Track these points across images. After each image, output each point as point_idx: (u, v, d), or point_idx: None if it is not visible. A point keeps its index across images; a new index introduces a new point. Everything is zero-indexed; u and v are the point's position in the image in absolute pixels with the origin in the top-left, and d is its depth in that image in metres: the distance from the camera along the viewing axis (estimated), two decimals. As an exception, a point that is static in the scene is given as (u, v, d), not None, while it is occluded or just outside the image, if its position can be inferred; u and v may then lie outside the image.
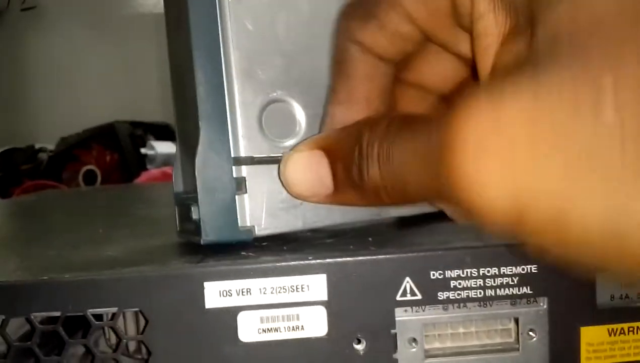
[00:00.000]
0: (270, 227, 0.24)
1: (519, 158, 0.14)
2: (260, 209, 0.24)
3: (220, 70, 0.24)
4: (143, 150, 1.10)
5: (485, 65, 0.20)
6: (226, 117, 0.24)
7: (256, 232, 0.24)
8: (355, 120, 0.22)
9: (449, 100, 0.24)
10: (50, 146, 1.18)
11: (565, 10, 0.15)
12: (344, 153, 0.20)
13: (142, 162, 1.09)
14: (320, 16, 0.25)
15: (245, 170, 0.24)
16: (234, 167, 0.24)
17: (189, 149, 0.25)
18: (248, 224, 0.24)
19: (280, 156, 0.23)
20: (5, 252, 0.31)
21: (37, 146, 1.20)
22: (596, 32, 0.14)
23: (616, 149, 0.13)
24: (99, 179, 1.07)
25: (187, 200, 0.25)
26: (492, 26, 0.19)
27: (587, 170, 0.14)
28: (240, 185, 0.24)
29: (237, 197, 0.24)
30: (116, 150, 1.11)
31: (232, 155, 0.24)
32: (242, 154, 0.24)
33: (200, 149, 0.23)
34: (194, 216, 0.24)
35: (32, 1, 1.38)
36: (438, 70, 0.24)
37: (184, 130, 0.26)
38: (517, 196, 0.15)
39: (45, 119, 1.36)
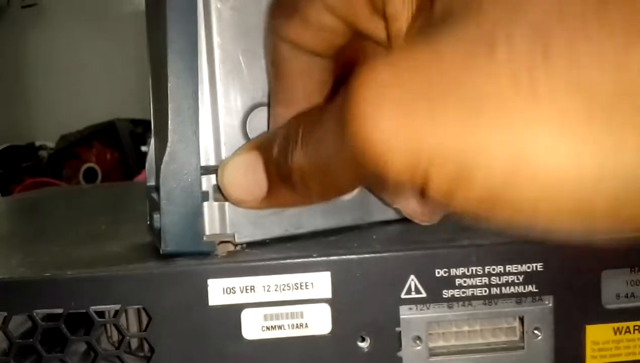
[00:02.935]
0: (251, 234, 0.24)
1: (417, 108, 0.14)
2: (240, 216, 0.24)
3: (196, 78, 0.23)
4: (144, 148, 1.10)
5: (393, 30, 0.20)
6: (198, 126, 0.23)
7: (236, 239, 0.24)
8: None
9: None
10: (51, 144, 1.18)
11: None
12: (274, 149, 0.20)
13: (142, 160, 1.08)
14: None
15: None
16: (212, 175, 0.24)
17: (161, 144, 0.24)
18: (228, 231, 0.24)
19: None
20: (7, 249, 0.31)
21: (37, 143, 1.20)
22: None
23: (508, 85, 0.13)
24: (100, 176, 1.07)
25: (153, 201, 0.25)
26: (400, 10, 0.19)
27: (482, 111, 0.13)
28: (219, 192, 0.23)
29: (216, 204, 0.24)
30: (117, 148, 1.11)
31: (215, 163, 0.24)
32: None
33: (166, 158, 0.23)
34: (156, 224, 0.23)
35: (33, -2, 1.37)
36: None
37: (158, 123, 0.26)
38: (419, 149, 0.14)
39: (46, 116, 1.36)
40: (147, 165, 0.27)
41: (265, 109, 0.24)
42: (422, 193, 0.15)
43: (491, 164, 0.13)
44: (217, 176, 0.23)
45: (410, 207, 0.25)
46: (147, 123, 1.17)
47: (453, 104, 0.14)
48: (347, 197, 0.26)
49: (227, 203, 0.24)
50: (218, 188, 0.24)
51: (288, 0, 0.21)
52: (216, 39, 0.23)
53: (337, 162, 0.17)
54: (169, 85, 0.23)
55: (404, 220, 0.26)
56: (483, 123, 0.13)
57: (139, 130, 1.15)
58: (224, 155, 0.24)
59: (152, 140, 0.27)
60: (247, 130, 0.24)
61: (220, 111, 0.24)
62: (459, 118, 0.13)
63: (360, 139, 0.15)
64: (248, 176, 0.21)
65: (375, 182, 0.19)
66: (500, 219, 0.14)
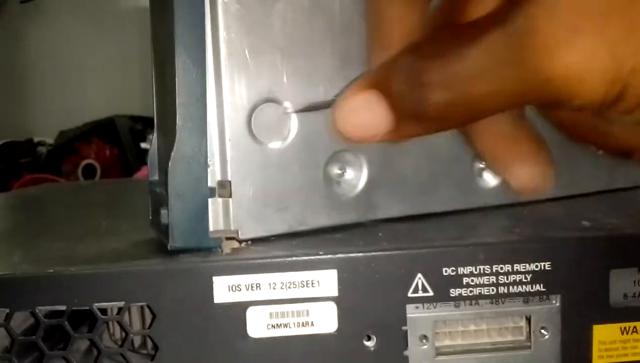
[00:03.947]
0: (255, 230, 0.24)
1: (615, 29, 0.14)
2: (244, 213, 0.24)
3: (204, 73, 0.23)
4: (143, 145, 1.09)
5: None
6: (205, 122, 0.23)
7: (240, 235, 0.24)
8: None
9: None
10: (50, 140, 1.17)
11: None
12: (399, 85, 0.19)
13: (142, 157, 1.08)
14: (321, 8, 0.25)
15: (230, 174, 0.24)
16: (218, 171, 0.24)
17: (167, 138, 0.24)
18: (232, 228, 0.24)
19: None
20: (7, 245, 0.31)
21: (36, 139, 1.20)
22: None
23: None
24: (99, 173, 1.06)
25: (159, 196, 0.25)
26: None
27: None
28: (223, 189, 0.23)
29: (220, 200, 0.23)
30: (116, 144, 1.11)
31: (219, 160, 0.23)
32: (228, 157, 0.24)
33: (174, 154, 0.23)
34: (163, 220, 0.23)
35: (32, -7, 1.37)
36: None
37: (162, 118, 0.25)
38: (621, 61, 0.15)
39: (45, 112, 1.36)
40: (149, 161, 0.27)
41: (270, 104, 0.24)
42: (606, 110, 0.15)
43: None
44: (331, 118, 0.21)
45: (525, 174, 0.24)
46: (146, 119, 1.17)
47: None
48: (349, 193, 0.26)
49: (230, 200, 0.24)
50: (223, 184, 0.24)
51: None
52: (222, 34, 0.23)
53: (500, 93, 0.17)
54: (177, 80, 0.22)
55: (409, 218, 0.26)
56: None
57: (139, 126, 1.15)
58: (228, 151, 0.24)
59: (154, 136, 0.27)
60: (252, 126, 0.24)
61: (225, 107, 0.23)
62: None
63: (551, 65, 0.15)
64: (368, 115, 0.20)
65: (546, 105, 0.18)
66: None
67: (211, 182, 0.23)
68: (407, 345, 0.23)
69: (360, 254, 0.22)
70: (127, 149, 1.11)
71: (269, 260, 0.22)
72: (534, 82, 0.16)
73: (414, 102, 0.19)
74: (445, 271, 0.22)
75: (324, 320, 0.22)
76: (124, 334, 0.23)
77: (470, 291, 0.23)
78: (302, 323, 0.22)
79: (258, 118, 0.24)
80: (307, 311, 0.22)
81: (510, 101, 0.17)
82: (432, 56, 0.18)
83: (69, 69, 1.36)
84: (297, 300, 0.22)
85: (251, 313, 0.22)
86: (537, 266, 0.23)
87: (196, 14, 0.23)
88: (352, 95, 0.20)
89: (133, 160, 1.08)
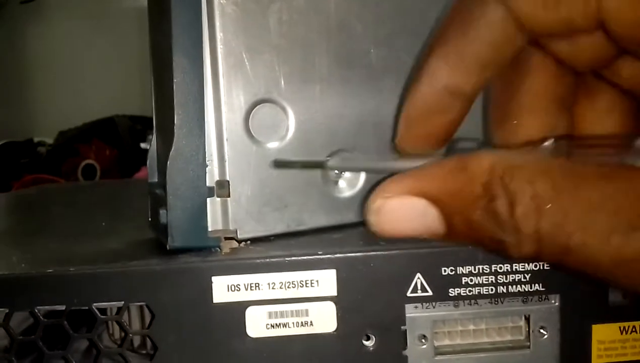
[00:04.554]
0: (253, 230, 0.24)
1: None
2: (243, 212, 0.24)
3: (201, 73, 0.23)
4: (143, 145, 1.09)
5: None
6: (203, 122, 0.23)
7: (238, 235, 0.24)
8: (458, 89, 0.19)
9: None
10: (50, 140, 1.17)
11: None
12: (465, 210, 0.17)
13: (141, 157, 1.08)
14: (317, 9, 0.25)
15: (228, 174, 0.24)
16: (216, 171, 0.24)
17: (165, 139, 0.24)
18: (230, 227, 0.24)
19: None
20: (7, 245, 0.31)
21: (36, 140, 1.20)
22: None
23: None
24: (98, 173, 1.06)
25: (158, 197, 0.25)
26: None
27: None
28: (222, 188, 0.24)
29: (218, 200, 0.24)
30: (116, 144, 1.11)
31: (217, 159, 0.23)
32: (226, 157, 0.24)
33: (172, 153, 0.23)
34: (162, 220, 0.23)
35: (32, -6, 1.37)
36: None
37: (161, 119, 0.25)
38: None
39: (45, 112, 1.36)
40: (148, 162, 0.27)
41: (268, 105, 0.24)
42: None
43: None
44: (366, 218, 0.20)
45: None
46: (146, 120, 1.17)
47: None
48: (348, 193, 0.26)
49: (229, 200, 0.24)
50: (221, 184, 0.24)
51: None
52: (219, 35, 0.23)
53: (597, 249, 0.16)
54: (175, 80, 0.22)
55: None
56: None
57: (139, 127, 1.15)
58: (226, 151, 0.24)
59: (154, 137, 0.27)
60: (250, 126, 0.24)
61: (223, 107, 0.24)
62: None
63: None
64: (413, 224, 0.18)
65: None
66: None
67: (210, 182, 0.23)
68: (406, 344, 0.23)
69: (359, 254, 0.22)
70: (127, 149, 1.11)
71: (268, 260, 0.22)
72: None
73: (486, 224, 0.17)
74: (444, 271, 0.22)
75: (323, 319, 0.22)
76: (123, 334, 0.23)
77: (469, 291, 0.23)
78: (301, 323, 0.22)
79: (255, 118, 0.24)
80: (306, 311, 0.22)
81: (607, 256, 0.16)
82: (534, 177, 0.16)
83: (69, 69, 1.36)
84: (296, 299, 0.22)
85: (250, 313, 0.22)
86: (535, 266, 0.23)
87: (193, 15, 0.23)
88: (392, 196, 0.18)
89: (133, 160, 1.08)
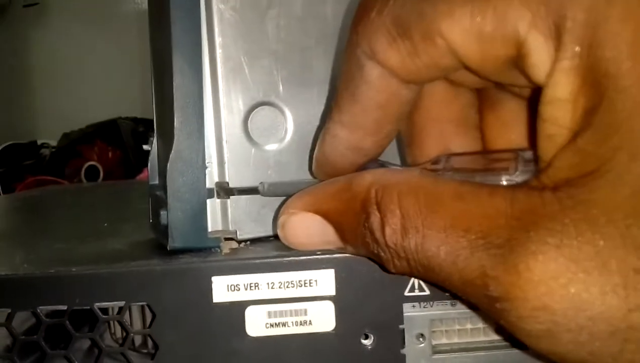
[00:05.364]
0: (253, 230, 0.24)
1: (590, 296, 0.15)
2: (242, 213, 0.24)
3: (200, 76, 0.23)
4: (145, 147, 1.10)
5: (546, 150, 0.17)
6: (203, 124, 0.23)
7: (238, 235, 0.24)
8: (359, 147, 0.20)
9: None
10: (53, 142, 1.18)
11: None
12: (351, 226, 0.19)
13: (144, 159, 1.08)
14: (314, 14, 0.25)
15: (228, 175, 0.24)
16: (216, 172, 0.24)
17: (166, 141, 0.24)
18: (230, 228, 0.24)
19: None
20: (10, 246, 0.31)
21: (39, 142, 1.20)
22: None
23: None
24: (101, 175, 1.07)
25: (158, 198, 0.25)
26: (565, 120, 0.16)
27: None
28: (222, 190, 0.24)
29: (218, 201, 0.24)
30: (119, 146, 1.11)
31: (217, 161, 0.24)
32: (226, 159, 0.24)
33: (173, 155, 0.23)
34: (163, 221, 0.24)
35: (35, -3, 1.37)
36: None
37: (161, 122, 0.26)
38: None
39: (48, 114, 1.36)
40: (149, 164, 0.27)
41: (266, 108, 0.25)
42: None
43: None
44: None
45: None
46: (149, 122, 1.18)
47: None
48: None
49: (229, 201, 0.24)
50: (220, 186, 0.24)
51: (388, 19, 0.18)
52: (218, 39, 0.23)
53: (457, 285, 0.17)
54: (174, 83, 0.23)
55: None
56: None
57: (141, 128, 1.15)
58: (225, 154, 0.24)
59: (154, 141, 0.27)
60: (249, 128, 0.24)
61: (222, 110, 0.24)
62: None
63: (512, 313, 0.16)
64: (314, 238, 0.21)
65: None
66: None
67: (209, 184, 0.24)
68: (404, 343, 0.23)
69: (358, 254, 0.22)
70: (130, 151, 1.11)
71: (267, 260, 0.22)
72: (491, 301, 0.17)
73: (371, 249, 0.19)
74: (442, 270, 0.23)
75: (322, 319, 0.22)
76: (124, 333, 0.23)
77: (467, 290, 0.23)
78: (300, 322, 0.22)
79: (254, 120, 0.24)
80: (305, 310, 0.22)
81: (466, 292, 0.18)
82: (404, 215, 0.17)
83: (71, 72, 1.37)
84: (295, 299, 0.22)
85: (250, 312, 0.22)
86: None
87: (192, 20, 0.23)
88: (294, 213, 0.21)
89: (135, 162, 1.09)
